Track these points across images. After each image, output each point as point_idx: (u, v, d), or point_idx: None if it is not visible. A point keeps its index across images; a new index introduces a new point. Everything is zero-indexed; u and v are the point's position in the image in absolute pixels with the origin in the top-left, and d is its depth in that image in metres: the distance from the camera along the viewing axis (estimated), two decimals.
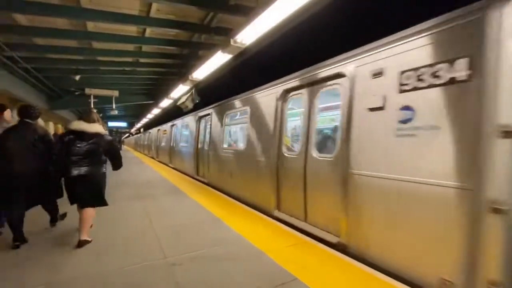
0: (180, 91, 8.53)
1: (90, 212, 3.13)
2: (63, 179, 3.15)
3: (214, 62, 5.49)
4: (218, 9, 4.68)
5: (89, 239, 3.07)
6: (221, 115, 6.47)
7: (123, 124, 25.55)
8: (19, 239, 2.94)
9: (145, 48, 6.82)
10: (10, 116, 3.61)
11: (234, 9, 4.61)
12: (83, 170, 3.03)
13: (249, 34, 4.05)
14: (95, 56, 6.96)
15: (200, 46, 6.54)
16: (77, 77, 7.97)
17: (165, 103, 10.96)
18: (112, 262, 2.66)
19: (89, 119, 3.22)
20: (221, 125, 6.41)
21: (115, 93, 10.15)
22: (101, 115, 18.67)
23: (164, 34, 6.04)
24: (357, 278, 2.31)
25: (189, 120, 9.08)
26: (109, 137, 3.49)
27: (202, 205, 4.87)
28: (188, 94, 8.51)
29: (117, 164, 3.51)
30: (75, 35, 5.53)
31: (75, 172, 2.99)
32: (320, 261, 2.65)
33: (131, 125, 27.40)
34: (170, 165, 11.44)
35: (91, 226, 3.27)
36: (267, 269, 2.49)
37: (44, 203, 3.45)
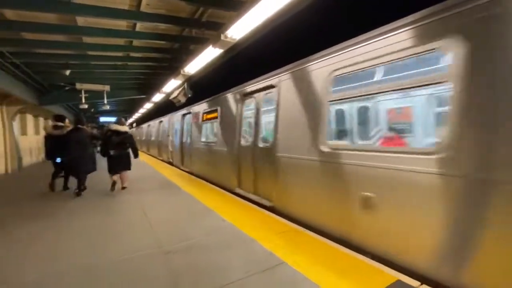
0: (172, 86, 8.53)
1: (125, 173, 5.75)
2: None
3: (205, 56, 5.54)
4: (208, 4, 4.71)
5: (126, 186, 5.73)
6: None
7: (114, 119, 25.25)
8: (80, 191, 5.31)
9: (136, 42, 6.78)
10: (68, 123, 6.16)
11: (224, 4, 4.64)
12: (117, 152, 5.51)
13: (240, 29, 4.12)
14: (85, 50, 6.88)
15: (191, 40, 6.54)
16: (67, 72, 7.88)
17: (157, 97, 10.94)
18: (110, 251, 2.78)
19: (120, 123, 5.81)
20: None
21: (106, 87, 10.06)
22: (92, 110, 18.45)
23: (155, 28, 6.02)
24: (339, 261, 2.48)
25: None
26: (130, 134, 5.92)
27: (195, 198, 4.99)
28: (181, 89, 8.53)
29: (135, 151, 5.91)
30: (65, 29, 5.47)
31: (112, 153, 5.47)
32: (307, 246, 2.81)
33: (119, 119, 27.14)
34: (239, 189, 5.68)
35: (124, 188, 5.70)
36: (257, 255, 2.65)
37: (88, 173, 5.59)
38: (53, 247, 2.95)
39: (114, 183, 5.51)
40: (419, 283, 2.09)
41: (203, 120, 7.43)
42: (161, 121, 13.09)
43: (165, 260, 2.57)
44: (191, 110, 8.44)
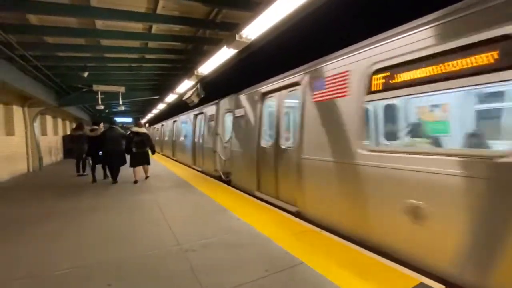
0: (185, 86, 8.64)
1: (146, 166, 7.07)
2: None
3: (219, 57, 5.58)
4: (223, 5, 4.74)
5: (149, 176, 7.18)
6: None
7: (128, 119, 25.91)
8: (115, 180, 6.73)
9: (151, 44, 6.91)
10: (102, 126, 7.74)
11: (239, 4, 4.66)
12: (138, 149, 6.74)
13: (255, 29, 4.12)
14: (102, 53, 7.07)
15: (205, 41, 6.61)
16: (85, 74, 8.12)
17: (171, 98, 11.11)
18: (130, 248, 2.85)
19: (139, 125, 7.19)
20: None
21: (122, 89, 10.28)
22: (107, 110, 18.94)
23: (169, 30, 6.12)
24: (359, 263, 2.45)
25: None
26: (148, 134, 7.17)
27: (210, 197, 5.05)
28: (194, 89, 8.62)
29: (152, 148, 7.37)
30: (84, 33, 5.64)
31: (134, 150, 6.69)
32: (325, 247, 2.79)
33: (136, 120, 27.73)
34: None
35: (147, 177, 7.15)
36: (275, 254, 2.65)
37: (120, 166, 6.86)
38: (78, 242, 3.06)
39: (135, 174, 6.79)
40: (443, 286, 2.04)
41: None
42: (200, 113, 9.55)
43: (185, 257, 2.61)
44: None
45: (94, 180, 6.86)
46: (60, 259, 2.64)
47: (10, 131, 8.34)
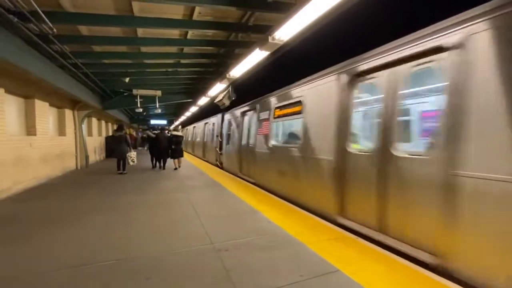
0: (217, 89, 8.88)
1: (181, 158, 10.10)
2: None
3: (251, 59, 5.63)
4: (256, 8, 4.79)
5: (179, 167, 9.95)
6: None
7: (163, 121, 27.45)
8: (163, 168, 9.92)
9: (186, 49, 7.22)
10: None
11: (272, 7, 4.67)
12: (176, 147, 9.84)
13: (288, 31, 4.10)
14: (142, 59, 7.56)
15: (237, 44, 6.73)
16: (127, 79, 8.73)
17: (203, 101, 11.50)
18: (166, 244, 2.97)
19: (177, 130, 11.96)
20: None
21: (158, 93, 10.89)
22: (144, 113, 20.18)
23: (204, 35, 6.34)
24: (398, 271, 2.28)
25: None
26: (182, 136, 10.69)
27: (240, 198, 5.09)
28: (225, 92, 8.82)
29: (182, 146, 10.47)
30: (127, 41, 6.09)
31: (173, 147, 9.79)
32: (360, 254, 2.65)
33: (170, 122, 29.16)
34: None
35: (179, 167, 9.97)
36: (309, 259, 2.58)
37: (167, 158, 10.04)
38: (122, 236, 3.27)
39: (175, 163, 9.89)
40: None
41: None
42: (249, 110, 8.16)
43: (217, 256, 2.65)
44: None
45: (153, 167, 10.29)
46: (104, 251, 2.84)
47: (62, 132, 9.26)
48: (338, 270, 2.35)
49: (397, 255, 2.66)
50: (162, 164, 9.97)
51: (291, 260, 2.56)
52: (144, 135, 16.32)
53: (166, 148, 9.78)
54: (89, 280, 2.25)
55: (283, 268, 2.40)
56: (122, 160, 8.83)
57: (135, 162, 9.43)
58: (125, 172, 8.67)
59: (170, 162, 10.10)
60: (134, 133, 24.11)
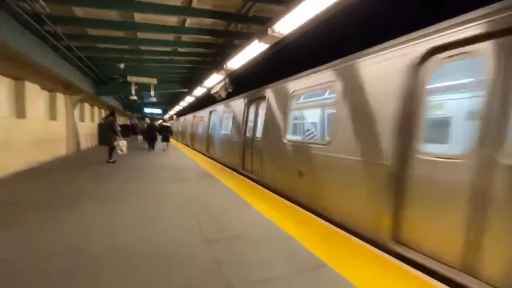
0: (214, 80, 8.77)
1: (169, 143, 13.38)
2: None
3: (250, 51, 5.56)
4: None
5: (168, 150, 12.86)
6: None
7: (158, 110, 26.99)
8: (153, 148, 13.31)
9: (184, 37, 7.09)
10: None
11: None
12: (164, 134, 13.17)
13: (288, 24, 4.04)
14: (138, 45, 7.40)
15: (236, 35, 6.64)
16: (122, 65, 8.55)
17: (199, 91, 11.36)
18: (161, 231, 2.97)
19: (165, 121, 14.76)
20: None
21: (154, 81, 10.72)
22: (139, 101, 19.89)
23: (202, 23, 6.22)
24: (386, 268, 2.33)
25: None
26: (170, 126, 14.32)
27: (232, 189, 5.10)
28: (222, 83, 8.73)
29: (171, 134, 14.03)
30: (124, 25, 5.94)
31: (163, 134, 13.26)
32: (348, 249, 2.70)
33: (164, 112, 28.73)
34: None
35: (167, 149, 13.04)
36: (298, 253, 2.61)
37: (155, 141, 13.64)
38: (110, 223, 3.25)
39: (164, 147, 12.84)
40: None
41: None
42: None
43: (207, 248, 2.66)
44: None
45: (150, 148, 13.19)
46: (93, 239, 2.82)
47: (53, 116, 9.05)
48: (326, 264, 2.38)
49: None
50: (151, 146, 13.24)
51: (281, 253, 2.58)
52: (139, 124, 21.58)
53: (155, 135, 13.50)
54: (75, 267, 2.23)
55: (273, 261, 2.42)
56: (110, 148, 8.37)
57: (124, 151, 8.27)
58: (111, 160, 8.15)
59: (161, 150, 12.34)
60: (137, 121, 23.07)
